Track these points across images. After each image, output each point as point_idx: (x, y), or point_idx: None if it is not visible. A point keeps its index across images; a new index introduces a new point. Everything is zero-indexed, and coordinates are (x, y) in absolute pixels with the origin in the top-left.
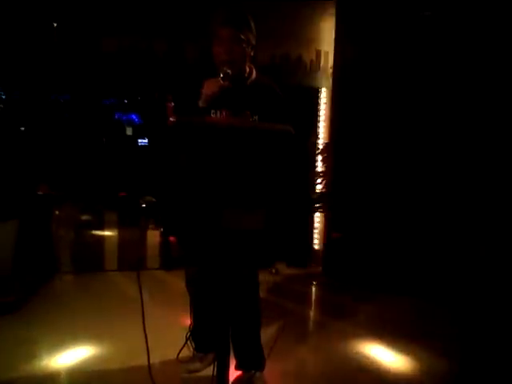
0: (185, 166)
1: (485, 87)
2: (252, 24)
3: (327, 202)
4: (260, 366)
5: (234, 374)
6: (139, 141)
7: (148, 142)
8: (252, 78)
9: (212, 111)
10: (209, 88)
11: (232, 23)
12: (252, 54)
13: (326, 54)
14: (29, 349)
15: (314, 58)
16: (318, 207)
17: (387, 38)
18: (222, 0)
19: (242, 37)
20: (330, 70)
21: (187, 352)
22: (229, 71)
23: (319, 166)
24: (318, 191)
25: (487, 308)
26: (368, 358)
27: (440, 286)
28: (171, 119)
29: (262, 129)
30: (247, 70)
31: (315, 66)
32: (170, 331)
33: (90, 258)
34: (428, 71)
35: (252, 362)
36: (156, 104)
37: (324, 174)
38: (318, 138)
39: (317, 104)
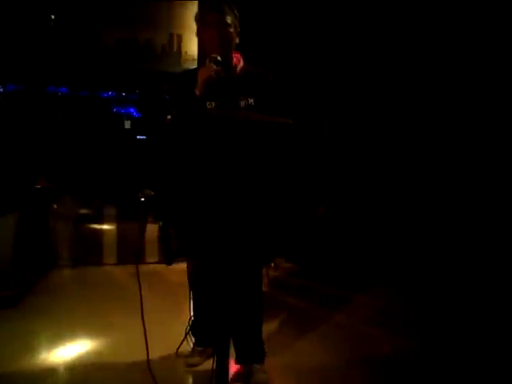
0: (183, 158)
1: (483, 87)
2: (235, 11)
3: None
4: (260, 359)
5: (233, 367)
6: (138, 136)
7: (146, 137)
8: (240, 66)
9: (207, 103)
10: (204, 74)
11: (218, 9)
12: (237, 41)
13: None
14: (27, 343)
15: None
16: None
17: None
18: None
19: (228, 21)
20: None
21: (187, 346)
22: (218, 58)
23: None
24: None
25: (478, 302)
26: (368, 351)
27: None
28: (168, 117)
29: (261, 121)
30: (234, 58)
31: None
32: (170, 325)
33: (89, 252)
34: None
35: (252, 356)
36: (153, 96)
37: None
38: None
39: None
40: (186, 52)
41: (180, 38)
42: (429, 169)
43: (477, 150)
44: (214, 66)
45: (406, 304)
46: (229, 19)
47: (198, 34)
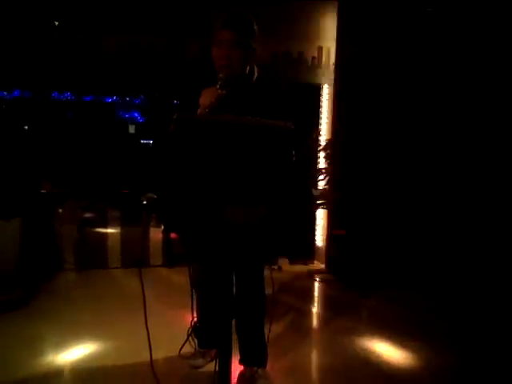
0: (185, 162)
1: (486, 82)
2: (254, 27)
3: (330, 198)
4: (262, 363)
5: (235, 369)
6: (142, 141)
7: (152, 142)
8: (254, 77)
9: None
10: (206, 98)
11: (232, 26)
12: (254, 56)
13: (328, 50)
14: (33, 345)
15: (315, 54)
16: (321, 204)
17: (389, 35)
18: None
19: (242, 40)
20: (332, 67)
21: (190, 348)
22: (226, 78)
23: (321, 163)
24: (320, 188)
25: (488, 304)
26: (372, 354)
27: (442, 282)
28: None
29: (262, 125)
30: (247, 70)
31: (317, 63)
32: (173, 327)
33: (93, 256)
34: (430, 68)
35: (255, 358)
36: (157, 104)
37: (326, 171)
38: (320, 134)
39: (319, 101)
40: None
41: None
42: (440, 169)
43: (487, 154)
44: (219, 91)
45: (415, 308)
46: (243, 38)
47: (211, 49)
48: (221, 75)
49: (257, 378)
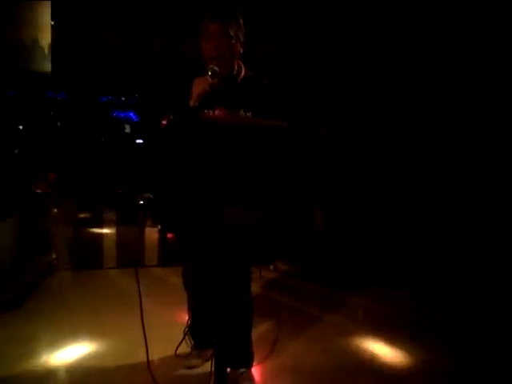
0: (181, 162)
1: (478, 76)
2: (240, 20)
3: (323, 199)
4: (248, 364)
5: None
6: (137, 141)
7: (143, 141)
8: (241, 75)
9: (205, 111)
10: (198, 87)
11: (220, 18)
12: (241, 50)
13: None
14: (28, 346)
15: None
16: (316, 204)
17: None
18: None
19: (230, 32)
20: None
21: (186, 348)
22: (216, 68)
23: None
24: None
25: (475, 301)
26: (365, 352)
27: (435, 280)
28: (163, 122)
29: (258, 124)
30: (236, 67)
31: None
32: (169, 327)
33: (89, 255)
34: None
35: (240, 360)
36: (151, 101)
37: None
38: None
39: None
40: None
41: None
42: (428, 169)
43: (479, 155)
44: (210, 79)
45: (405, 306)
46: (231, 30)
47: (200, 44)
48: (210, 66)
49: (241, 381)
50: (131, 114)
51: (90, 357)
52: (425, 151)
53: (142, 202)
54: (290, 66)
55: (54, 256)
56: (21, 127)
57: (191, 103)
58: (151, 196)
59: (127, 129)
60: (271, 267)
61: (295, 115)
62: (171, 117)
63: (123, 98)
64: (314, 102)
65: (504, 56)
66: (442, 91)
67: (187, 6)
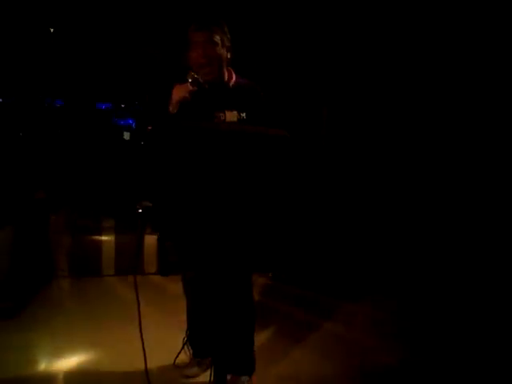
0: (177, 170)
1: (476, 76)
2: (225, 27)
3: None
4: (249, 371)
5: None
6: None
7: (140, 147)
8: (232, 80)
9: (215, 114)
10: (178, 93)
11: (204, 27)
12: (229, 56)
13: None
14: (26, 354)
15: None
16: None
17: None
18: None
19: (216, 39)
20: None
21: (185, 357)
22: (196, 76)
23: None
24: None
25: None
26: (366, 360)
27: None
28: (149, 127)
29: (256, 132)
30: (226, 73)
31: None
32: (168, 336)
33: (88, 263)
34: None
35: (242, 367)
36: (147, 107)
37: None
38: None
39: None
40: None
41: None
42: (425, 176)
43: (477, 155)
44: (190, 87)
45: (405, 313)
46: (217, 37)
47: (188, 53)
48: (192, 73)
49: None
50: (130, 121)
51: (88, 365)
52: (424, 164)
53: (140, 210)
54: (288, 74)
55: (52, 263)
56: (20, 134)
57: (170, 109)
58: (150, 204)
59: (126, 136)
60: (270, 275)
61: (293, 123)
62: (150, 127)
63: (123, 105)
64: (313, 111)
65: (504, 57)
66: (439, 102)
67: (188, 13)
